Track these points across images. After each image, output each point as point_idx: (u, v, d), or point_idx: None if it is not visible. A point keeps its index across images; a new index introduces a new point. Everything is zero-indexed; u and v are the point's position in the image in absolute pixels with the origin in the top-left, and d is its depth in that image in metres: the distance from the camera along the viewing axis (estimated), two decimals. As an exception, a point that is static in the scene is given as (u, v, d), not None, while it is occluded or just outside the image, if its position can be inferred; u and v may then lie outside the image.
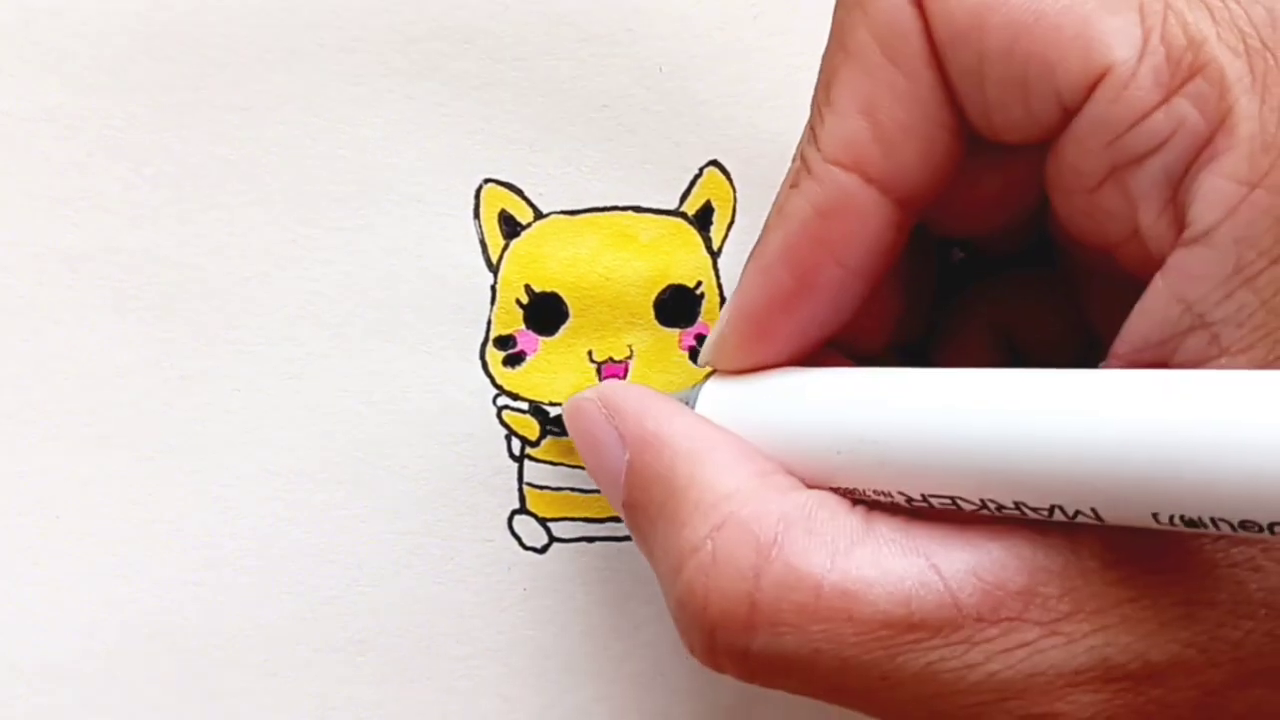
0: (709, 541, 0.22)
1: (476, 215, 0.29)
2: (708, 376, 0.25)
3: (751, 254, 0.24)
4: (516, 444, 0.29)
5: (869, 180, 0.23)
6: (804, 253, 0.23)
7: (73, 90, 0.28)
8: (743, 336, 0.24)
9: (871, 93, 0.22)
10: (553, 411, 0.29)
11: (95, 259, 0.28)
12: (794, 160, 0.24)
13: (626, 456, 0.24)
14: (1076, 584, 0.20)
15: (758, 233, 0.29)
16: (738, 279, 0.28)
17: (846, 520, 0.22)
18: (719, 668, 0.22)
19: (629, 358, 0.29)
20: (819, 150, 0.23)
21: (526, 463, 0.29)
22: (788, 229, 0.23)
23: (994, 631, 0.20)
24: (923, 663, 0.20)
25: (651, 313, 0.29)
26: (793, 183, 0.23)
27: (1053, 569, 0.20)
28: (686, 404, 0.25)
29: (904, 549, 0.21)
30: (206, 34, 0.28)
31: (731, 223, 0.29)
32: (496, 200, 0.29)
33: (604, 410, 0.25)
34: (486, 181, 0.29)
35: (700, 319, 0.29)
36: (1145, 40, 0.20)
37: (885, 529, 0.21)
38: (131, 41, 0.28)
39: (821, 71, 0.23)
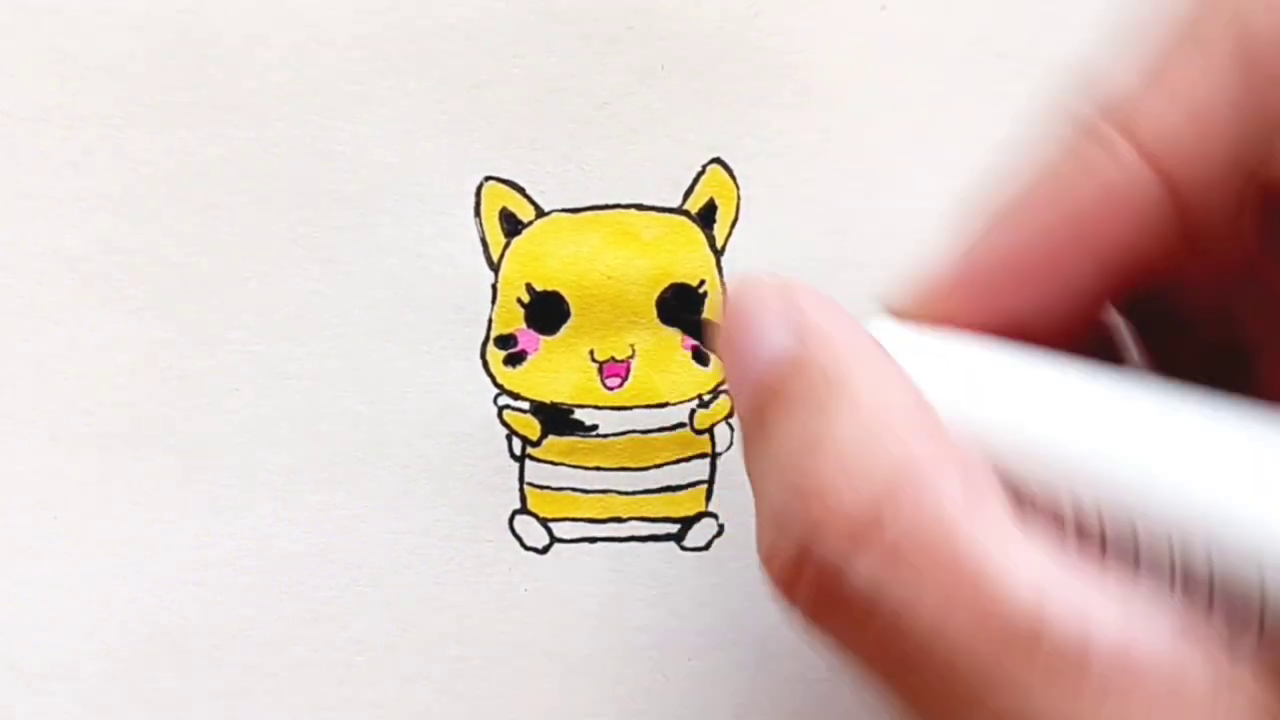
0: (861, 434, 0.18)
1: (477, 213, 0.29)
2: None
3: (1005, 208, 0.21)
4: (517, 444, 0.29)
5: (1173, 190, 0.20)
6: (1069, 231, 0.20)
7: (71, 89, 0.28)
8: (959, 285, 0.21)
9: (1214, 94, 0.19)
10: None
11: (94, 259, 0.28)
12: (1073, 126, 0.21)
13: (789, 342, 0.20)
14: (1224, 692, 0.17)
15: (761, 232, 0.29)
16: (738, 275, 0.28)
17: (1007, 513, 0.18)
18: (791, 588, 0.19)
19: (631, 357, 0.29)
20: (1133, 130, 0.20)
21: (528, 462, 0.29)
22: (1065, 201, 0.20)
23: (1115, 697, 0.17)
24: (1018, 685, 0.17)
25: (654, 311, 0.29)
26: (1079, 153, 0.20)
27: (1202, 669, 0.17)
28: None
29: (1060, 565, 0.18)
30: (205, 33, 0.28)
31: (735, 221, 0.29)
32: (497, 198, 0.29)
33: (783, 297, 0.21)
34: (487, 179, 0.29)
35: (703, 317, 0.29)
36: None
37: (1046, 543, 0.18)
38: (130, 40, 0.28)
39: (1156, 52, 0.20)
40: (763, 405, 0.20)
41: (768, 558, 0.19)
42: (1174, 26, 0.20)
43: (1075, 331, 0.22)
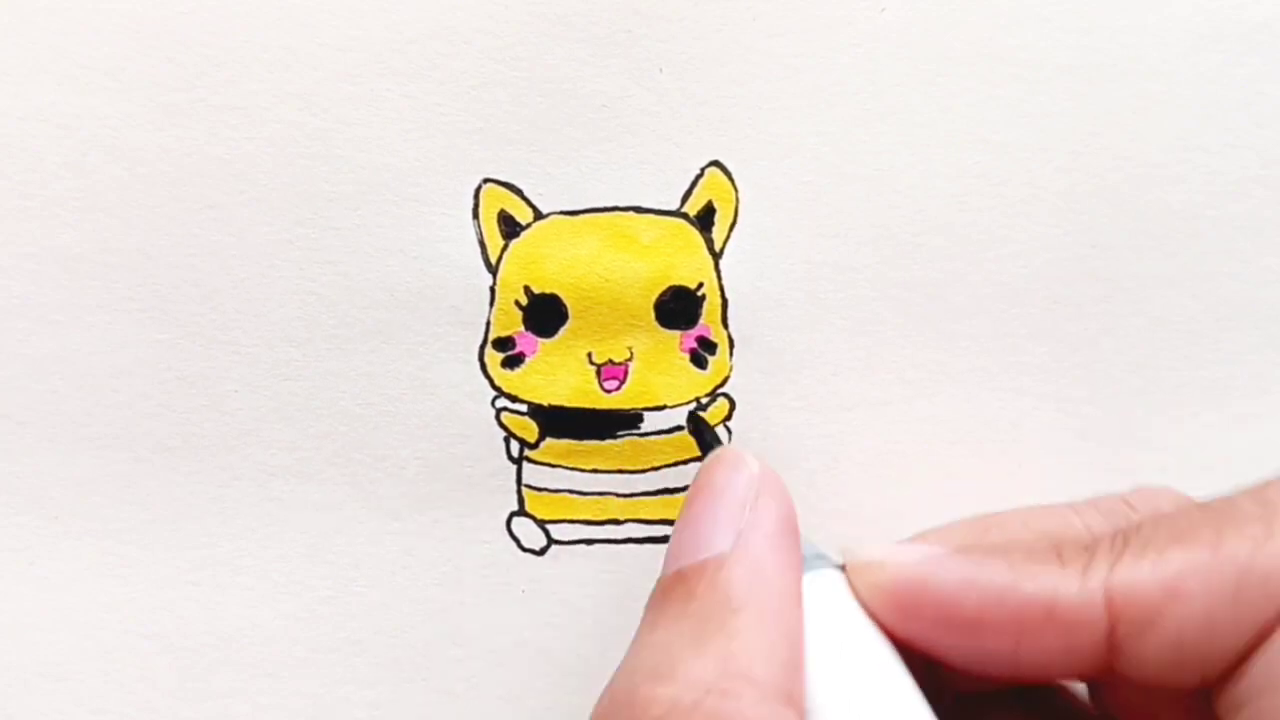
0: (708, 695, 0.21)
1: (476, 215, 0.29)
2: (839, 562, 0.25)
3: (980, 556, 0.23)
4: (515, 446, 0.29)
5: (1132, 631, 0.22)
6: (1018, 625, 0.22)
7: (68, 89, 0.28)
8: (902, 595, 0.23)
9: (1201, 570, 0.22)
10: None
11: (91, 259, 0.28)
12: (1078, 549, 0.23)
13: (728, 549, 0.23)
14: None
15: (759, 235, 0.29)
16: (740, 286, 0.29)
17: None
18: None
19: (629, 360, 0.29)
20: (1112, 568, 0.22)
21: (525, 465, 0.29)
22: (1025, 587, 0.22)
23: None
24: None
25: (652, 314, 0.29)
26: (1066, 560, 0.23)
27: None
28: (815, 557, 0.24)
29: None
30: (203, 33, 0.28)
31: (734, 224, 0.29)
32: (496, 200, 0.29)
33: (754, 492, 0.24)
34: (486, 181, 0.29)
35: (701, 320, 0.29)
36: None
37: None
38: (128, 40, 0.28)
39: (1192, 518, 0.23)
40: (672, 590, 0.23)
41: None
42: (1232, 506, 0.22)
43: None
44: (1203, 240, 0.30)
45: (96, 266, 0.28)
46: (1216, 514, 0.22)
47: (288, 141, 0.28)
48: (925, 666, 0.23)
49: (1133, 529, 0.23)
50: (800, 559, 0.23)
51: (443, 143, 0.28)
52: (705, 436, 0.28)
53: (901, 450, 0.30)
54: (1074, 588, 0.22)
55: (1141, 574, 0.22)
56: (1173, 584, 0.21)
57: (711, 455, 0.25)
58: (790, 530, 0.23)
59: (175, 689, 0.29)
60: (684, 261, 0.29)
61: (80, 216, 0.28)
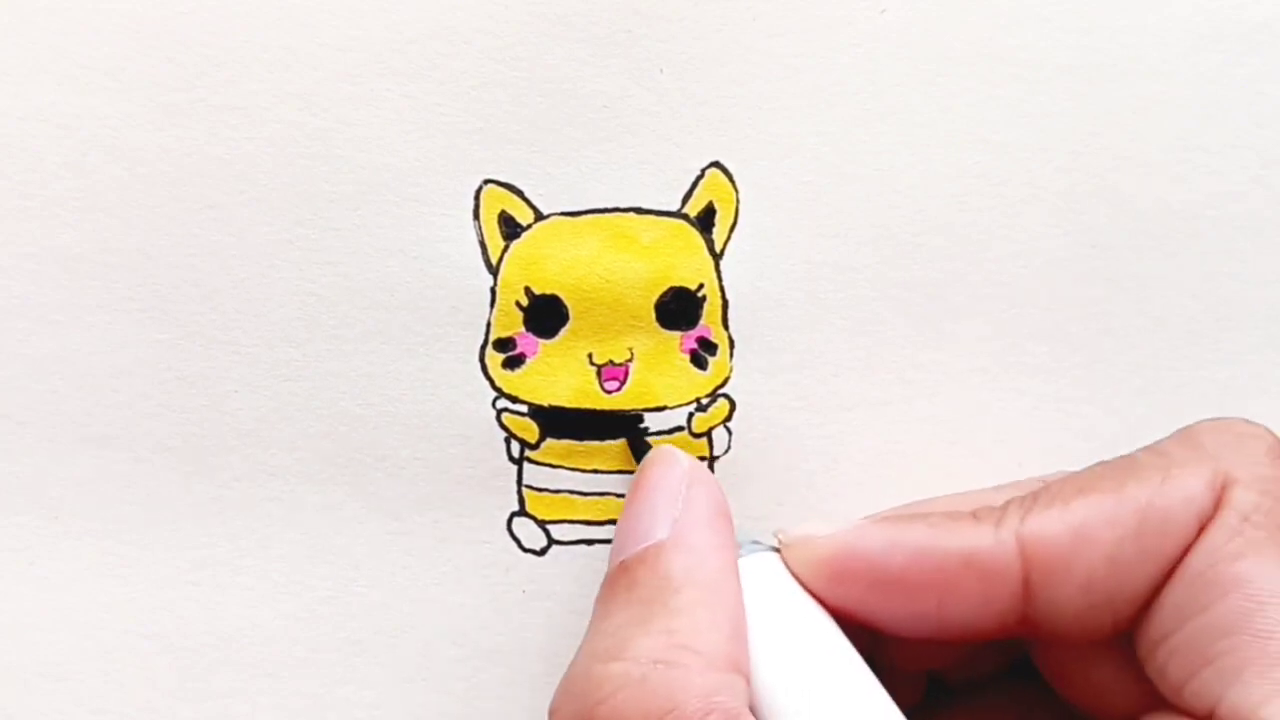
0: (655, 667, 0.22)
1: (476, 216, 0.29)
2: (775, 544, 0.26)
3: (902, 521, 0.24)
4: (516, 446, 0.29)
5: (1044, 577, 0.23)
6: (940, 579, 0.24)
7: (68, 89, 0.28)
8: (833, 564, 0.24)
9: (1105, 514, 0.23)
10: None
11: (91, 259, 0.28)
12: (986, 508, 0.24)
13: (665, 537, 0.24)
14: None
15: (760, 234, 0.29)
16: (740, 287, 0.29)
17: None
18: None
19: (629, 360, 0.29)
20: (1022, 520, 0.23)
21: (526, 465, 0.29)
22: (944, 543, 0.24)
23: None
24: None
25: (652, 315, 0.29)
26: (981, 517, 0.24)
27: None
28: (751, 543, 0.25)
29: None
30: (203, 33, 0.28)
31: (734, 224, 0.29)
32: (496, 201, 0.29)
33: (685, 484, 0.25)
34: (486, 182, 0.29)
35: (702, 321, 0.29)
36: None
37: None
38: (127, 40, 0.28)
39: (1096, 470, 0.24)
40: (617, 579, 0.24)
41: (552, 710, 0.23)
42: (1138, 458, 0.24)
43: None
44: (1203, 240, 0.30)
45: (96, 266, 0.28)
46: (1117, 467, 0.24)
47: (288, 141, 0.28)
48: (873, 661, 0.24)
49: (1042, 488, 0.24)
50: (734, 540, 0.25)
51: (443, 143, 0.28)
52: (637, 444, 0.29)
53: (901, 450, 0.30)
54: (988, 539, 0.23)
55: (1050, 522, 0.23)
56: (1079, 529, 0.23)
57: (645, 457, 0.27)
58: (722, 514, 0.25)
59: (175, 689, 0.29)
60: (684, 262, 0.29)
61: (80, 216, 0.28)
